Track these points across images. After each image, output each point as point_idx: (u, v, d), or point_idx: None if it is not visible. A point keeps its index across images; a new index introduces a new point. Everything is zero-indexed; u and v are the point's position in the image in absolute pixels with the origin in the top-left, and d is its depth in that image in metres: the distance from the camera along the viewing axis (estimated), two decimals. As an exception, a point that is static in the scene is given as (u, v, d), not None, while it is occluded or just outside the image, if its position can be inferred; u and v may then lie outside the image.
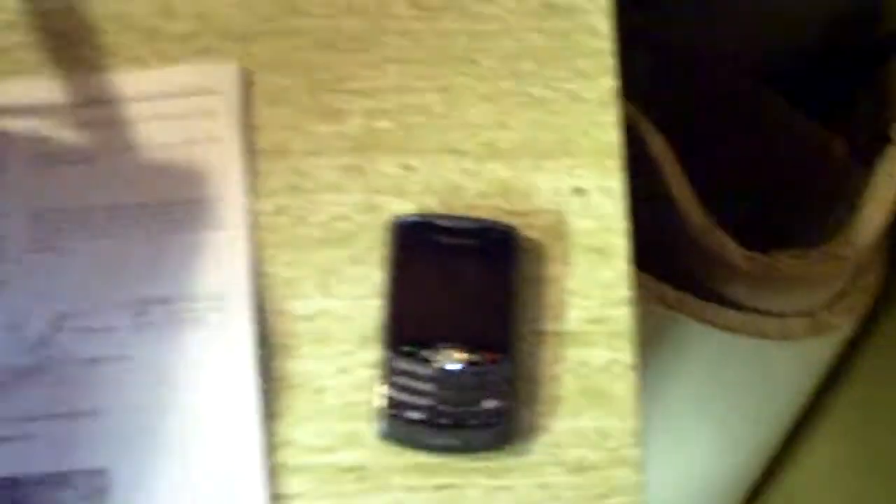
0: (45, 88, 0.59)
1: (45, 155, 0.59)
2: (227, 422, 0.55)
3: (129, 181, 0.58)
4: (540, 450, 0.55)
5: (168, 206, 0.58)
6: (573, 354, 0.56)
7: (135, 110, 0.59)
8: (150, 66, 0.60)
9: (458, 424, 0.54)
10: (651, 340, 0.85)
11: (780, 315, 0.89)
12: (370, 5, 0.60)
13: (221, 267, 0.57)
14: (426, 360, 0.54)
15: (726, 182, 0.88)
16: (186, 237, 0.57)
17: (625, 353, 0.56)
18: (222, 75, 0.59)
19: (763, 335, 0.90)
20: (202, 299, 0.57)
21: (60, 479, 0.55)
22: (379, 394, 0.55)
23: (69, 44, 0.60)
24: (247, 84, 0.60)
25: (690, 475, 1.10)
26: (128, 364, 0.56)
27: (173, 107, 0.59)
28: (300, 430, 0.55)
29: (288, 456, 0.55)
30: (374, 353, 0.56)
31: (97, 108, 0.59)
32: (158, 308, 0.56)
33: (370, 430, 0.55)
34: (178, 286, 0.57)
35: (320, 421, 0.56)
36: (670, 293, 0.88)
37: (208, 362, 0.56)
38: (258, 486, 0.54)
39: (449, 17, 0.60)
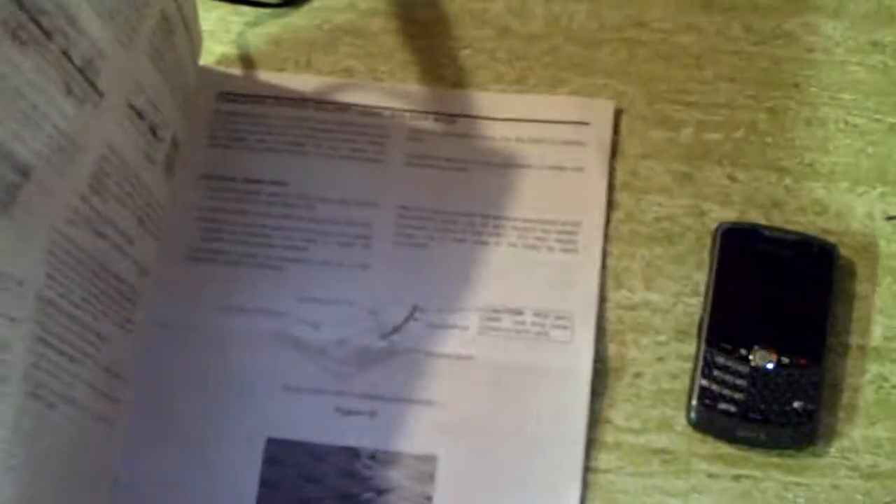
0: (422, 95, 0.64)
1: (420, 156, 0.63)
2: (556, 436, 0.59)
3: (495, 195, 0.62)
4: (835, 453, 0.59)
5: (530, 223, 0.62)
6: (873, 368, 0.60)
7: (507, 130, 0.63)
8: (498, 59, 0.65)
9: (766, 420, 0.58)
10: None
11: None
12: (707, 25, 0.65)
13: (574, 289, 0.61)
14: (742, 358, 0.59)
15: None
16: (545, 256, 0.61)
17: (923, 373, 0.60)
18: (598, 110, 0.63)
19: None
20: (551, 316, 0.60)
21: (393, 459, 0.59)
22: (695, 385, 0.59)
23: (427, 34, 0.65)
24: (617, 119, 0.63)
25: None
26: (469, 363, 0.60)
27: (545, 132, 0.63)
28: (616, 410, 0.60)
29: (603, 433, 0.60)
30: (688, 346, 0.60)
31: (470, 122, 0.64)
32: (508, 317, 0.60)
33: (680, 417, 0.60)
34: (529, 300, 0.61)
35: (635, 404, 0.60)
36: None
37: (546, 373, 0.60)
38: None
39: (779, 43, 0.64)
